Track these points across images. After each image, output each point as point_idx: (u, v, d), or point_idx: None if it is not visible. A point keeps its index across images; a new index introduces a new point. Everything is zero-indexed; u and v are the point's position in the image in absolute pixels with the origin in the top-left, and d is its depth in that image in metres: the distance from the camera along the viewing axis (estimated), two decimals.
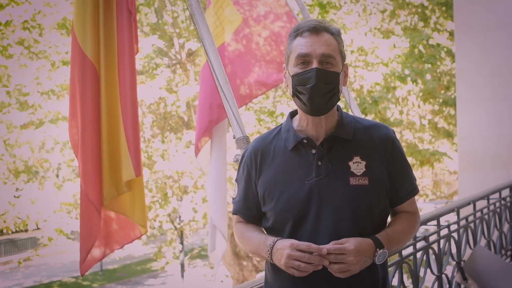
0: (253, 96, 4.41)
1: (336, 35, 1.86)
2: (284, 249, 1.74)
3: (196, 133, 4.32)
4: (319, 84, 1.78)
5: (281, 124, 1.96)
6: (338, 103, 1.91)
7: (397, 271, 2.78)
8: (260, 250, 1.85)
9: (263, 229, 1.95)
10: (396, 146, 1.90)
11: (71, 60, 3.23)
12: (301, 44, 1.82)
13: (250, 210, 1.96)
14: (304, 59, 1.81)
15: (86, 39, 3.13)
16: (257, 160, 1.91)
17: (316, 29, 1.83)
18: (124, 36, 3.15)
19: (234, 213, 2.02)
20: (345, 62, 1.88)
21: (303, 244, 1.73)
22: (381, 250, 1.77)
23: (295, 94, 1.83)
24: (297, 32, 1.85)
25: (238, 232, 1.99)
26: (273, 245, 1.80)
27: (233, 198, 2.01)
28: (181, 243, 16.12)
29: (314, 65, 1.79)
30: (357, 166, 1.83)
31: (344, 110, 1.97)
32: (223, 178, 4.21)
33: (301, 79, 1.80)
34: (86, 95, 3.13)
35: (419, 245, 3.05)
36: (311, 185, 1.81)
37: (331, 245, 1.72)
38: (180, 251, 16.34)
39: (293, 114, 1.97)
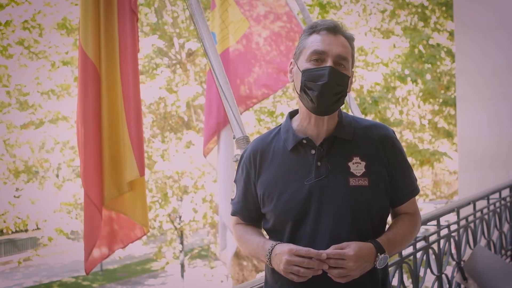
0: (252, 97, 4.41)
1: (350, 40, 1.86)
2: (283, 254, 1.73)
3: (204, 135, 4.35)
4: (331, 83, 1.77)
5: (281, 124, 1.95)
6: None
7: (397, 271, 2.78)
8: (259, 254, 1.84)
9: (264, 230, 1.95)
10: (395, 146, 1.89)
11: (78, 61, 3.26)
12: (318, 41, 1.81)
13: (249, 211, 1.95)
14: (319, 56, 1.79)
15: (88, 40, 3.14)
16: (256, 160, 1.90)
17: (335, 30, 1.83)
18: (126, 36, 3.16)
19: (233, 214, 2.01)
20: (352, 69, 1.88)
21: (303, 250, 1.71)
22: (382, 255, 1.76)
23: (303, 90, 1.80)
24: (313, 29, 1.84)
25: (237, 234, 1.98)
26: (271, 250, 1.78)
27: (232, 199, 2.00)
28: (181, 243, 16.11)
29: (329, 63, 1.78)
30: (357, 166, 1.82)
31: (344, 110, 1.96)
32: (231, 177, 4.22)
33: (313, 75, 1.78)
34: (87, 95, 3.14)
35: (419, 245, 3.05)
36: (310, 185, 1.81)
37: (331, 250, 1.71)
38: (180, 251, 16.33)
39: (292, 114, 1.96)
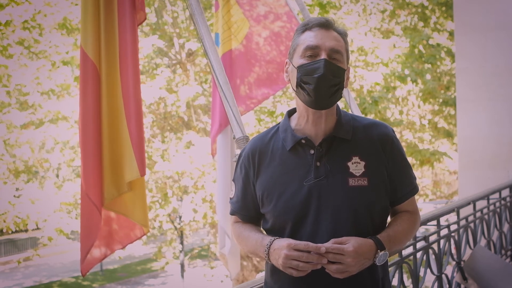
0: (253, 97, 4.41)
1: (343, 35, 1.86)
2: (281, 249, 1.73)
3: (211, 136, 4.38)
4: (327, 75, 1.76)
5: (279, 123, 1.94)
6: (337, 103, 1.89)
7: (397, 271, 2.78)
8: (258, 251, 1.84)
9: (264, 230, 1.94)
10: (395, 145, 1.88)
11: (80, 61, 3.26)
12: (311, 37, 1.81)
13: (248, 211, 1.95)
14: (312, 51, 1.79)
15: (88, 40, 3.14)
16: (255, 160, 1.89)
17: (326, 25, 1.83)
18: (126, 36, 3.16)
19: (232, 213, 2.01)
20: (348, 65, 1.87)
21: (301, 244, 1.71)
22: (382, 252, 1.76)
23: (300, 85, 1.80)
24: (306, 27, 1.84)
25: (235, 232, 1.98)
26: (270, 245, 1.78)
27: (230, 198, 2.00)
28: (181, 243, 16.11)
29: (323, 56, 1.78)
30: (356, 166, 1.81)
31: (344, 110, 1.96)
32: (228, 178, 4.23)
33: (308, 69, 1.78)
34: (87, 95, 3.14)
35: (419, 245, 3.05)
36: (309, 186, 1.80)
37: (330, 244, 1.71)
38: (180, 251, 16.33)
39: (290, 113, 1.95)
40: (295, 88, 1.83)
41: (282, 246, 1.73)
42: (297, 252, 1.70)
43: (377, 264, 1.77)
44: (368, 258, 1.74)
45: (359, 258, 1.71)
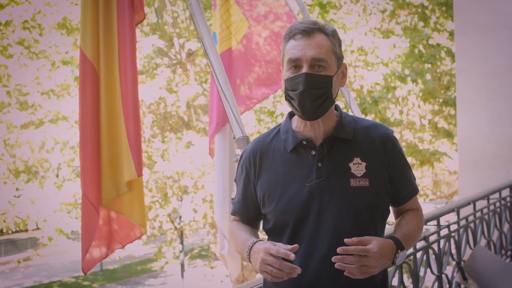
0: (252, 97, 4.41)
1: (330, 35, 1.81)
2: (259, 252, 1.71)
3: (209, 136, 4.39)
4: (309, 90, 1.75)
5: (280, 124, 1.94)
6: (338, 103, 1.89)
7: (397, 271, 2.78)
8: (242, 251, 1.83)
9: (264, 231, 1.93)
10: (396, 146, 1.89)
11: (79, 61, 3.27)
12: (293, 48, 1.78)
13: (248, 212, 1.94)
14: (295, 63, 1.77)
15: (86, 40, 3.14)
16: (256, 161, 1.89)
17: (308, 31, 1.78)
18: (125, 36, 3.16)
19: (232, 213, 2.00)
20: (343, 62, 1.85)
21: (273, 249, 1.67)
22: (401, 252, 1.76)
23: (287, 99, 1.81)
24: (289, 35, 1.81)
25: (229, 230, 1.99)
26: (251, 247, 1.77)
27: (232, 198, 2.00)
28: (181, 243, 16.11)
29: (304, 69, 1.76)
30: (357, 167, 1.81)
31: (344, 110, 1.96)
32: (225, 179, 4.22)
33: (292, 84, 1.77)
34: (86, 96, 3.14)
35: (419, 245, 3.05)
36: (311, 187, 1.80)
37: (354, 247, 1.66)
38: (180, 251, 16.33)
39: (292, 114, 1.95)
40: (285, 99, 1.83)
41: (260, 250, 1.71)
42: (272, 258, 1.67)
43: (397, 263, 1.77)
44: (389, 258, 1.74)
45: (382, 258, 1.71)
